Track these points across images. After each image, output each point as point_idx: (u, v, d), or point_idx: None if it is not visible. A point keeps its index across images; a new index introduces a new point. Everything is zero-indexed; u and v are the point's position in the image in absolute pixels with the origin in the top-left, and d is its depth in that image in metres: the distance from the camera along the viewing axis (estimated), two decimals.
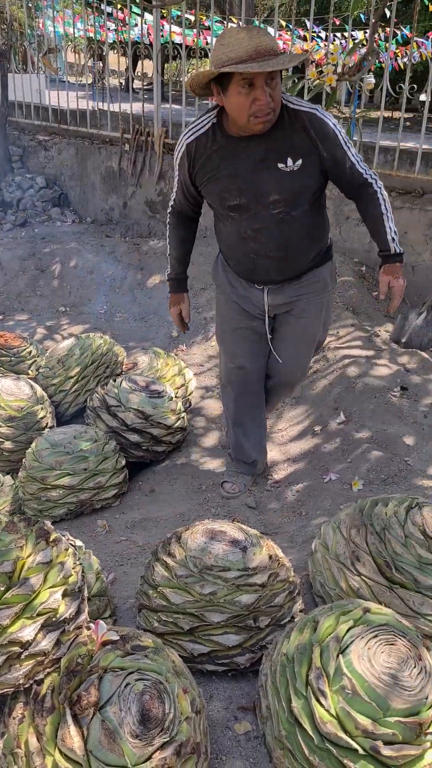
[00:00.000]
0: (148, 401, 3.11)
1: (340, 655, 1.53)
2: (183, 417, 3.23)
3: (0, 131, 6.96)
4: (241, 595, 1.78)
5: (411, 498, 2.07)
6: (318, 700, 1.49)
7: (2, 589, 1.47)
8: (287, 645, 1.63)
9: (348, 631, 1.59)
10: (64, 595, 1.55)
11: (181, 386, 3.50)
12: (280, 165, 2.24)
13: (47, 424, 3.28)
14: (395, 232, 2.35)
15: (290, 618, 1.86)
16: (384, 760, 1.42)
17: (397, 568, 1.87)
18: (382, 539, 1.94)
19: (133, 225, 6.11)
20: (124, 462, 2.97)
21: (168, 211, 2.62)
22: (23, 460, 2.95)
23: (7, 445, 3.13)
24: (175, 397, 3.29)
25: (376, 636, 1.56)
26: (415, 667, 1.52)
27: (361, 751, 1.42)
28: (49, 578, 1.55)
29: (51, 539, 1.63)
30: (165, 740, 1.40)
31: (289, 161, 2.23)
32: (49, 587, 1.53)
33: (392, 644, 1.55)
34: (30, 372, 3.69)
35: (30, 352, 3.80)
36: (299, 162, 2.23)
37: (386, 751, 1.41)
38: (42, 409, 3.27)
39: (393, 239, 2.33)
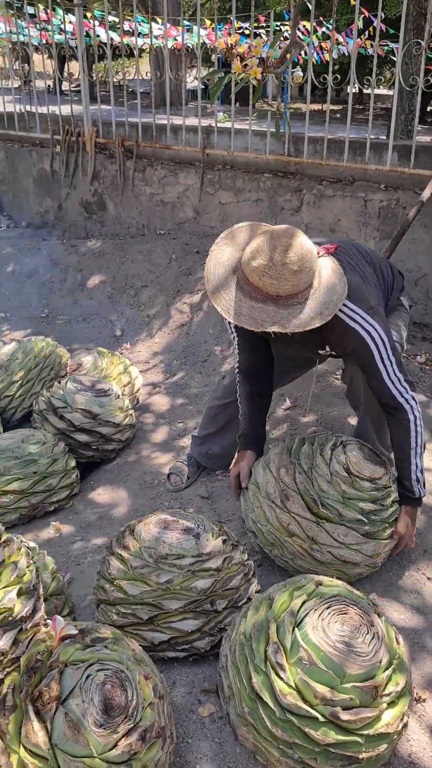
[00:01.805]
0: (94, 400, 3.10)
1: (296, 629, 1.58)
2: (131, 414, 3.23)
3: None
4: (197, 581, 1.80)
5: (335, 437, 2.20)
6: (277, 674, 1.53)
7: None
8: (244, 624, 1.66)
9: (302, 605, 1.64)
10: (19, 594, 1.54)
11: (127, 384, 3.50)
12: (320, 351, 2.30)
13: None
14: (422, 470, 2.14)
15: (247, 599, 1.90)
16: (343, 725, 1.47)
17: (323, 504, 2.02)
18: (309, 477, 2.07)
19: (69, 227, 6.05)
20: (74, 463, 2.95)
21: (236, 372, 2.47)
22: None
23: None
24: (122, 395, 3.29)
25: (329, 607, 1.61)
26: (368, 633, 1.57)
27: (321, 719, 1.47)
28: (2, 578, 1.54)
29: (2, 540, 1.63)
30: (129, 727, 1.42)
31: (327, 349, 2.27)
32: (3, 587, 1.53)
33: (345, 613, 1.60)
34: None
35: None
36: (334, 352, 2.30)
37: (345, 716, 1.46)
38: None
39: (418, 480, 2.14)
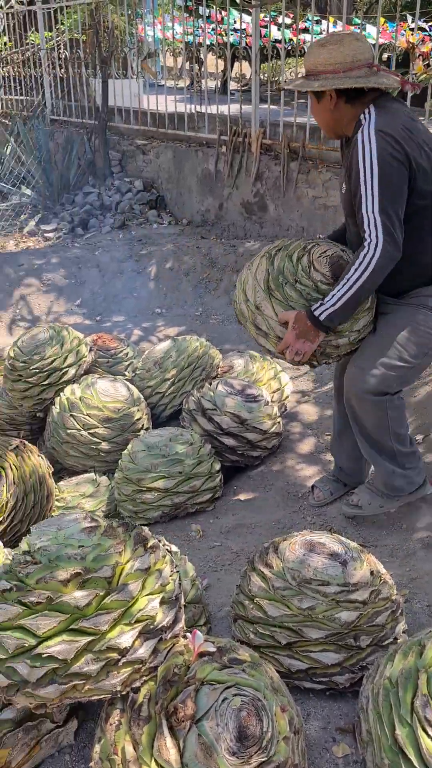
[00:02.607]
0: (243, 405, 3.07)
1: None
2: (279, 422, 3.17)
3: (100, 136, 7.13)
4: (341, 612, 1.71)
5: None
6: (425, 730, 1.41)
7: (102, 594, 1.47)
8: (391, 668, 1.55)
9: None
10: (161, 603, 1.53)
11: (276, 390, 3.45)
12: (343, 187, 2.30)
13: (143, 425, 3.31)
14: (336, 302, 2.13)
15: (393, 639, 1.78)
16: None
17: (274, 254, 2.33)
18: (294, 242, 2.36)
19: (228, 226, 6.10)
20: (219, 466, 2.95)
21: None
22: (119, 461, 2.99)
23: (104, 445, 3.18)
24: (271, 401, 3.24)
25: None
26: None
27: None
28: (147, 585, 1.54)
29: (149, 545, 1.62)
30: (262, 760, 1.36)
31: (344, 186, 2.27)
32: (147, 594, 1.52)
33: None
34: (126, 373, 3.74)
35: (127, 353, 3.85)
36: (345, 187, 2.26)
37: None
38: (138, 410, 3.30)
39: (323, 303, 2.15)
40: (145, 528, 1.68)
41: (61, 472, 3.34)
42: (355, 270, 2.11)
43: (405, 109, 2.24)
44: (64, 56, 8.24)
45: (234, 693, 1.43)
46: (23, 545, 1.61)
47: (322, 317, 2.16)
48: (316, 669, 1.71)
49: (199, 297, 5.17)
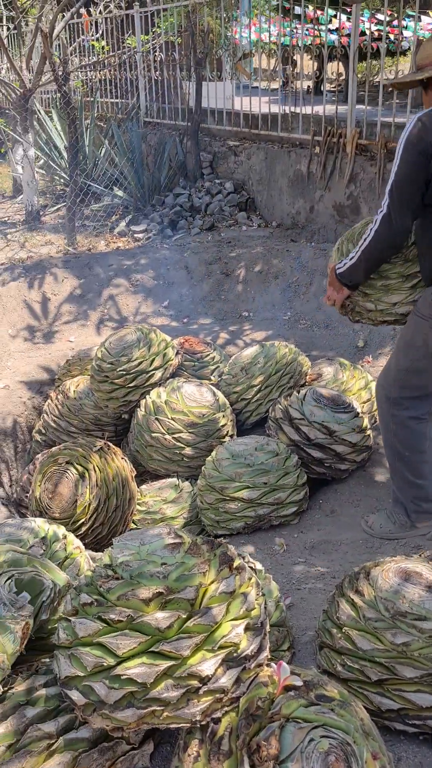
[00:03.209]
0: (332, 416, 2.95)
1: None
2: (369, 435, 3.03)
3: (192, 138, 7.13)
4: None
5: None
6: None
7: (184, 616, 1.40)
8: None
9: None
10: (246, 630, 1.44)
11: (367, 401, 3.30)
12: None
13: (228, 432, 3.24)
14: (348, 262, 2.41)
15: None
16: None
17: (356, 230, 2.58)
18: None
19: (319, 230, 5.96)
20: (305, 478, 2.84)
21: None
22: (203, 468, 2.92)
23: (188, 451, 3.13)
24: (362, 413, 3.10)
25: None
26: None
27: None
28: (232, 610, 1.45)
29: (235, 566, 1.54)
30: None
31: None
32: (231, 619, 1.44)
33: None
34: (212, 378, 3.68)
35: (213, 357, 3.79)
36: None
37: None
38: (223, 416, 3.23)
39: (344, 260, 2.43)
40: (231, 547, 1.60)
41: (144, 475, 3.32)
42: (365, 238, 2.34)
43: None
44: (159, 59, 8.29)
45: (321, 734, 1.32)
46: (105, 558, 1.56)
47: (338, 271, 2.46)
48: (409, 710, 1.58)
49: (288, 301, 5.06)
